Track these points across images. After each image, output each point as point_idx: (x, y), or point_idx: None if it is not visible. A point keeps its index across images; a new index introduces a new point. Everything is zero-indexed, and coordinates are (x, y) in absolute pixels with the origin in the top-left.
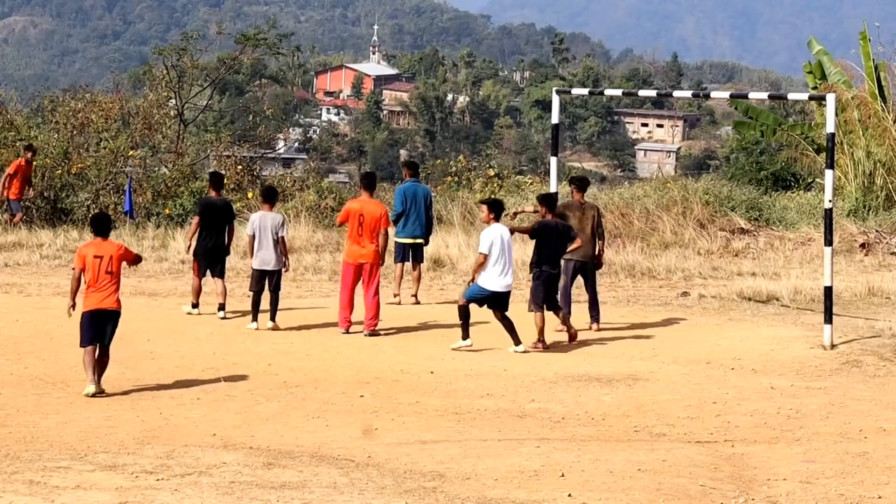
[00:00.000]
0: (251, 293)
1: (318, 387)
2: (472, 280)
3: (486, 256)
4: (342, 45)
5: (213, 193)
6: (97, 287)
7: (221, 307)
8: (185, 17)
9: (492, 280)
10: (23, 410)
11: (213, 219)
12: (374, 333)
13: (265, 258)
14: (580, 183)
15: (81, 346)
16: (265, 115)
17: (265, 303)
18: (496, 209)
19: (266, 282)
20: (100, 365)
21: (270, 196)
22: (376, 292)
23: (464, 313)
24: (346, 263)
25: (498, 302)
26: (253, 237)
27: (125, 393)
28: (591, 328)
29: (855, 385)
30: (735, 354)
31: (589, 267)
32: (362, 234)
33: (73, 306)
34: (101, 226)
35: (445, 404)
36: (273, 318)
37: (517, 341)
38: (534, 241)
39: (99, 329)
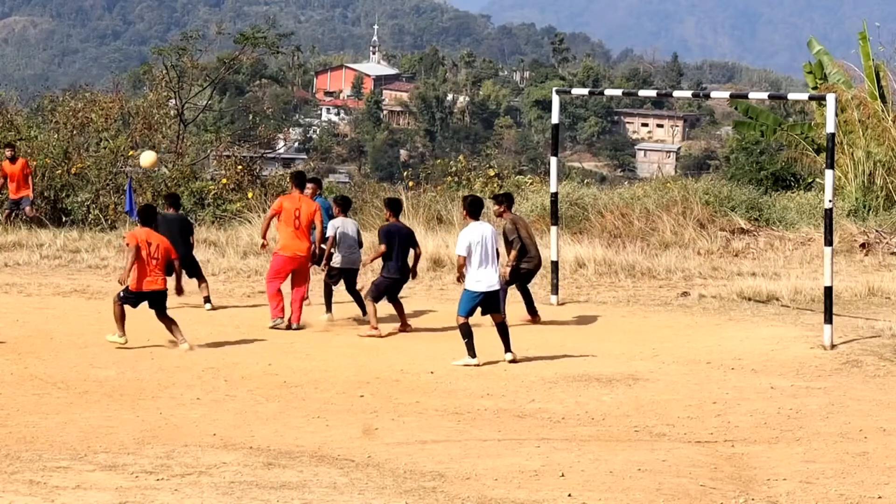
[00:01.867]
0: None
1: (318, 387)
2: (460, 278)
3: (464, 258)
4: (342, 45)
5: (169, 210)
6: (149, 270)
7: (206, 300)
8: (185, 17)
9: (478, 281)
10: (23, 410)
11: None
12: (300, 327)
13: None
14: (510, 200)
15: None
16: (265, 115)
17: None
18: (477, 210)
19: (342, 279)
20: (168, 323)
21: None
22: (306, 288)
23: (465, 331)
24: (281, 256)
25: (491, 303)
26: (333, 239)
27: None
28: (534, 321)
29: (855, 385)
30: (735, 354)
31: (533, 273)
32: (299, 227)
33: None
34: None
35: (445, 404)
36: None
37: (508, 349)
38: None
39: (139, 302)
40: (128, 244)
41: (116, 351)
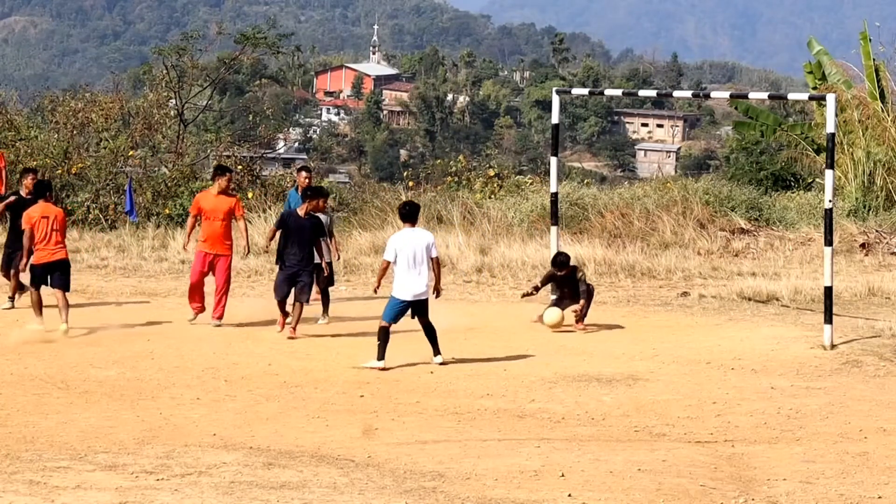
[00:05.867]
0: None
1: (318, 387)
2: (377, 288)
3: (388, 263)
4: (342, 45)
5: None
6: (53, 241)
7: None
8: (185, 17)
9: (403, 288)
10: (23, 410)
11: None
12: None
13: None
14: (568, 258)
15: (34, 287)
16: (265, 115)
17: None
18: (409, 216)
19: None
20: (65, 299)
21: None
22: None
23: (383, 335)
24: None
25: (417, 309)
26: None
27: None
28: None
29: (855, 385)
30: (735, 354)
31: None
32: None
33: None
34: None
35: (445, 404)
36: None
37: (437, 351)
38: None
39: (45, 277)
40: (23, 227)
41: (116, 351)
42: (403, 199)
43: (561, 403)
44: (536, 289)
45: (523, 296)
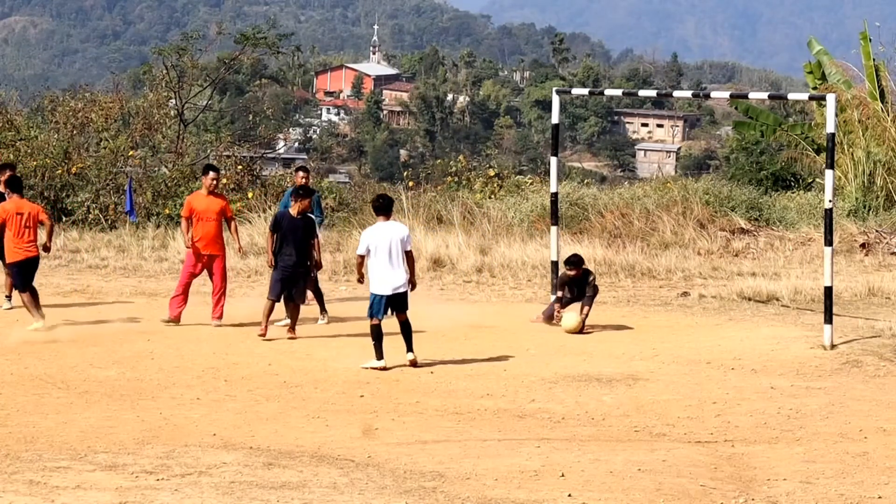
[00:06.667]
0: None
1: (318, 387)
2: (360, 279)
3: (362, 258)
4: (342, 45)
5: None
6: (26, 239)
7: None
8: (185, 17)
9: (381, 283)
10: (23, 410)
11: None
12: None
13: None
14: (582, 260)
15: (20, 290)
16: (265, 115)
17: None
18: (382, 209)
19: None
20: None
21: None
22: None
23: (375, 333)
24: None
25: (396, 304)
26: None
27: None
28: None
29: (855, 385)
30: (735, 354)
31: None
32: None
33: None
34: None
35: (445, 404)
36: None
37: (410, 348)
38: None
39: (26, 275)
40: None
41: (116, 351)
42: (403, 199)
43: (561, 403)
44: (560, 300)
45: (557, 313)
